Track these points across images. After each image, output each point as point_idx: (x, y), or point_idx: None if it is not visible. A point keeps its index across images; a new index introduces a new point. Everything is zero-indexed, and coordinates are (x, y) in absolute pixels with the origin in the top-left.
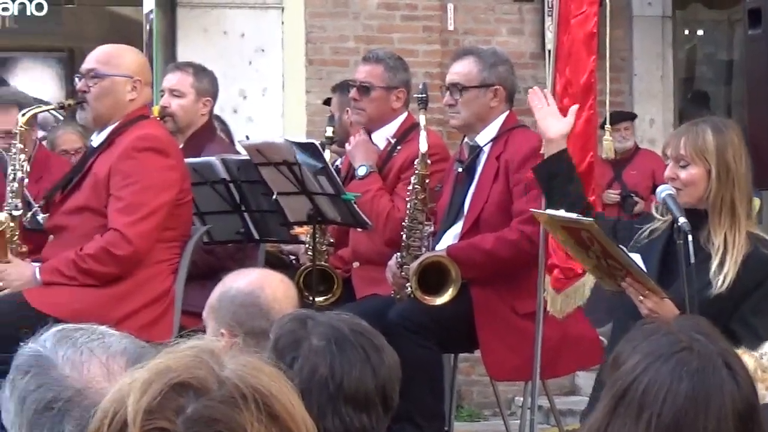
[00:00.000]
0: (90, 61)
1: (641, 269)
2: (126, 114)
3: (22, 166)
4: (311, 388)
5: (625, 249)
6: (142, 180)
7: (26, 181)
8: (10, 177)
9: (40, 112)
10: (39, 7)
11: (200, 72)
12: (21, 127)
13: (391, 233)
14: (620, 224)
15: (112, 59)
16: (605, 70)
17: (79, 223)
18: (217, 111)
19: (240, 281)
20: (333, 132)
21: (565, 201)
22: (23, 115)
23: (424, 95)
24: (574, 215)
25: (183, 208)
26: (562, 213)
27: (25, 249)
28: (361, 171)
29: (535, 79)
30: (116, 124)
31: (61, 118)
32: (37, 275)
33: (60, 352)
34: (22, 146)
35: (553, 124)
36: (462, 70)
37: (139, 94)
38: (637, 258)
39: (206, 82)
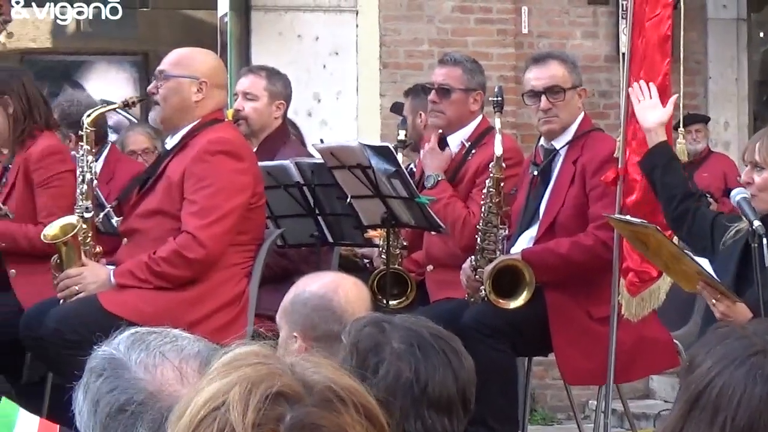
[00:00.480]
0: (162, 63)
1: (710, 274)
2: (200, 117)
3: (90, 168)
4: (395, 392)
5: (690, 254)
6: (215, 183)
7: (95, 182)
8: (79, 179)
9: (104, 111)
10: (114, 10)
11: (273, 75)
12: (87, 128)
13: (468, 239)
14: (718, 219)
15: (181, 61)
16: (679, 73)
17: (152, 227)
18: (291, 114)
19: (313, 285)
20: (405, 135)
21: (664, 193)
22: (88, 115)
23: (499, 98)
24: (638, 220)
25: (256, 211)
26: (628, 218)
27: (99, 250)
28: (429, 182)
29: (609, 82)
30: (190, 126)
31: (135, 120)
32: (112, 278)
33: (133, 355)
34: (89, 148)
35: (650, 113)
36: (556, 73)
37: (207, 96)
38: (704, 263)
39: (279, 86)
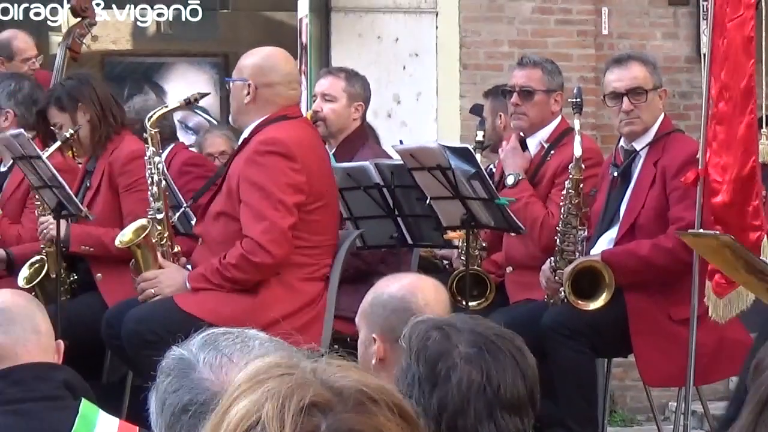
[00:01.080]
0: None
1: None
2: (267, 114)
3: (159, 169)
4: (469, 398)
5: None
6: (267, 185)
7: (164, 183)
8: (149, 180)
9: (165, 112)
10: (194, 12)
11: (352, 77)
12: (150, 130)
13: (547, 240)
14: None
15: (239, 63)
16: (761, 74)
17: (219, 229)
18: (370, 115)
19: (392, 286)
20: (483, 136)
21: None
22: (149, 118)
23: (578, 99)
24: (711, 231)
25: (320, 212)
26: (700, 231)
27: (178, 249)
28: (510, 180)
29: (690, 83)
30: (254, 125)
31: (215, 122)
32: (187, 282)
33: (202, 355)
34: (154, 149)
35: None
36: (638, 74)
37: (258, 97)
38: None
39: (358, 87)
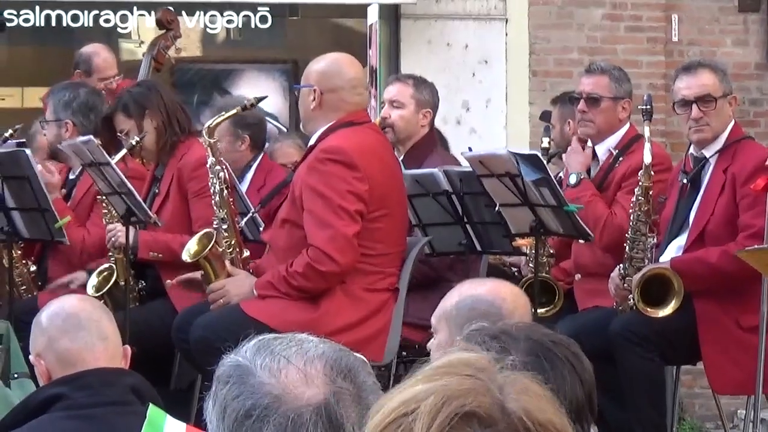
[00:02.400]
0: None
1: None
2: (334, 119)
3: (221, 178)
4: None
5: None
6: (329, 193)
7: (225, 192)
8: (212, 189)
9: (222, 120)
10: (263, 19)
11: (420, 83)
12: (208, 139)
13: (608, 239)
14: None
15: (306, 70)
16: None
17: (284, 236)
18: (440, 122)
19: (480, 289)
20: (549, 143)
21: None
22: (208, 127)
23: (648, 107)
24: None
25: (384, 221)
26: (759, 246)
27: (247, 254)
28: (572, 179)
29: (760, 90)
30: (320, 132)
31: (285, 129)
32: (254, 290)
33: (258, 360)
34: (214, 159)
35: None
36: (707, 81)
37: (323, 103)
38: None
39: (426, 93)
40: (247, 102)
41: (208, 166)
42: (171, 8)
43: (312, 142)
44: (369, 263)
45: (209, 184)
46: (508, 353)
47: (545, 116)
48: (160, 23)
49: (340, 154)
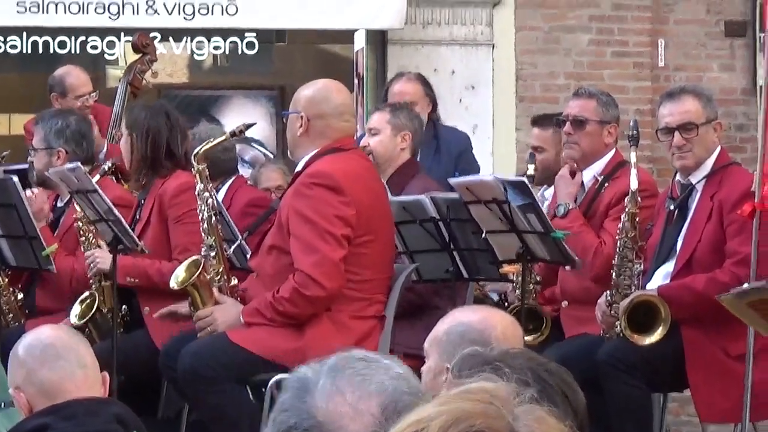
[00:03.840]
0: None
1: None
2: (320, 146)
3: (209, 204)
4: None
5: None
6: (316, 218)
7: (214, 219)
8: (200, 216)
9: (213, 145)
10: (250, 45)
11: (397, 108)
12: (196, 165)
13: (599, 269)
14: None
15: (295, 96)
16: None
17: (271, 262)
18: None
19: (471, 317)
20: (535, 170)
21: None
22: (196, 154)
23: (635, 132)
24: (762, 283)
25: (370, 246)
26: (747, 286)
27: (235, 282)
28: (560, 210)
29: (747, 115)
30: (307, 157)
31: (272, 155)
32: (241, 317)
33: (322, 380)
34: (203, 185)
35: None
36: (690, 108)
37: (311, 129)
38: None
39: (402, 117)
40: (236, 128)
41: (196, 192)
42: (147, 33)
43: (299, 168)
44: (355, 289)
45: (197, 210)
46: (501, 378)
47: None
48: (135, 47)
49: (327, 179)
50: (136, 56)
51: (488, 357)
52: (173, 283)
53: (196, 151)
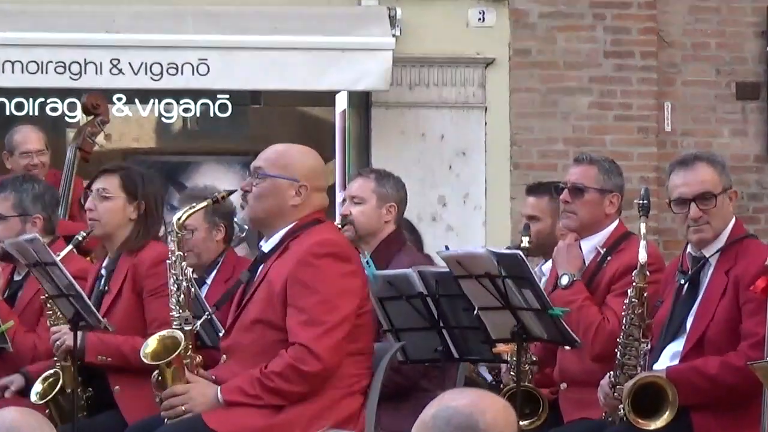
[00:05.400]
0: (259, 159)
1: None
2: (299, 218)
3: (186, 274)
4: None
5: None
6: (324, 289)
7: (193, 290)
8: (173, 288)
9: (194, 211)
10: (223, 107)
11: (383, 177)
12: (177, 232)
13: (600, 348)
14: None
15: (279, 160)
16: None
17: (253, 340)
18: (413, 219)
19: (460, 401)
20: (529, 242)
21: None
22: (179, 219)
23: (645, 201)
24: None
25: (365, 317)
26: None
27: (199, 360)
28: (564, 280)
29: (760, 183)
30: (288, 228)
31: (246, 228)
32: (219, 396)
33: None
34: (182, 254)
35: None
36: (705, 177)
37: (306, 200)
38: None
39: (389, 187)
40: (218, 194)
41: (173, 260)
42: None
43: (275, 241)
44: (348, 363)
45: (172, 281)
46: None
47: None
48: (85, 108)
49: (336, 247)
50: (87, 118)
51: None
52: (144, 354)
53: (178, 216)
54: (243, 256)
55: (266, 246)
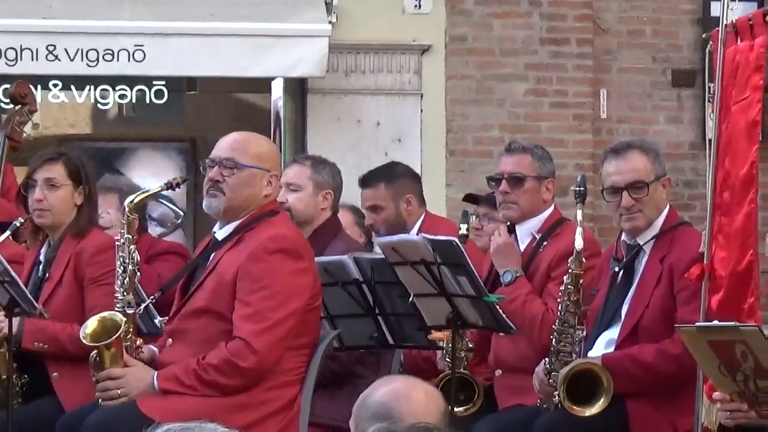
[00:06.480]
0: (226, 149)
1: None
2: (255, 208)
3: (133, 258)
4: None
5: None
6: (272, 285)
7: (139, 274)
8: (119, 270)
9: (147, 196)
10: (159, 94)
11: (319, 163)
12: (128, 215)
13: (546, 339)
14: None
15: (251, 149)
16: None
17: (200, 327)
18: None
19: (380, 390)
20: (467, 229)
21: None
22: (131, 201)
23: (582, 188)
24: (732, 323)
25: (313, 313)
26: (716, 323)
27: (140, 343)
28: (507, 277)
29: (695, 170)
30: (243, 218)
31: (182, 213)
32: (155, 382)
33: None
34: (130, 236)
35: None
36: (638, 165)
37: (274, 189)
38: None
39: (325, 174)
40: (173, 181)
41: (122, 242)
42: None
43: (236, 225)
44: (289, 356)
45: (119, 263)
46: None
47: (469, 198)
48: (12, 98)
49: (288, 243)
50: (15, 107)
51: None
52: (83, 334)
53: (129, 199)
54: (164, 239)
55: (220, 234)
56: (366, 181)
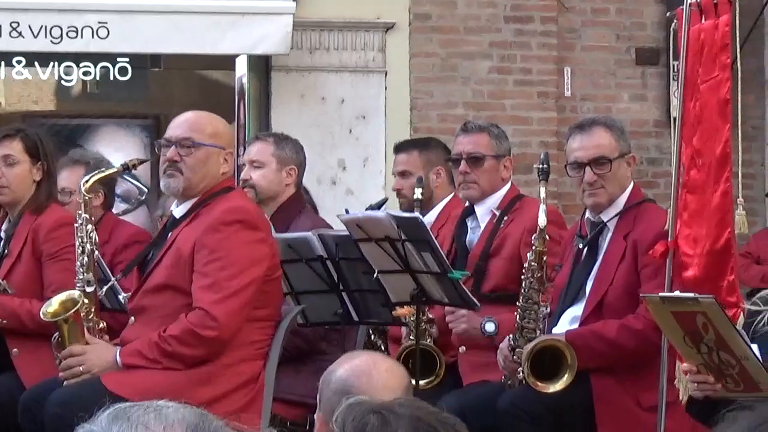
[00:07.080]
0: (182, 129)
1: (759, 362)
2: (212, 186)
3: (91, 237)
4: None
5: (745, 335)
6: (229, 255)
7: (97, 253)
8: (79, 250)
9: (104, 176)
10: (123, 71)
11: (281, 140)
12: (84, 194)
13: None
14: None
15: (206, 128)
16: (737, 138)
17: (161, 303)
18: (313, 182)
19: (343, 366)
20: (421, 194)
21: None
22: (86, 181)
23: (545, 166)
24: (691, 294)
25: (272, 284)
26: (677, 294)
27: (103, 325)
28: (490, 328)
29: (659, 148)
30: (200, 196)
31: (146, 189)
32: (118, 358)
33: (114, 429)
34: (87, 216)
35: None
36: (602, 141)
37: (230, 167)
38: (755, 349)
39: (288, 150)
40: (130, 162)
41: (80, 222)
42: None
43: (193, 202)
44: (251, 329)
45: (77, 243)
46: (389, 428)
47: (379, 206)
48: None
49: (245, 214)
50: None
51: (375, 406)
52: (44, 313)
53: (86, 178)
54: (124, 219)
55: (177, 211)
56: (400, 146)
